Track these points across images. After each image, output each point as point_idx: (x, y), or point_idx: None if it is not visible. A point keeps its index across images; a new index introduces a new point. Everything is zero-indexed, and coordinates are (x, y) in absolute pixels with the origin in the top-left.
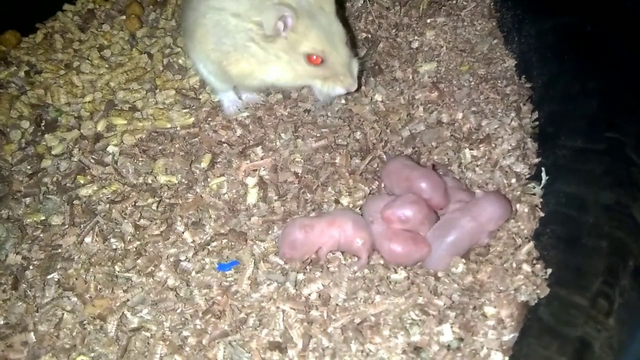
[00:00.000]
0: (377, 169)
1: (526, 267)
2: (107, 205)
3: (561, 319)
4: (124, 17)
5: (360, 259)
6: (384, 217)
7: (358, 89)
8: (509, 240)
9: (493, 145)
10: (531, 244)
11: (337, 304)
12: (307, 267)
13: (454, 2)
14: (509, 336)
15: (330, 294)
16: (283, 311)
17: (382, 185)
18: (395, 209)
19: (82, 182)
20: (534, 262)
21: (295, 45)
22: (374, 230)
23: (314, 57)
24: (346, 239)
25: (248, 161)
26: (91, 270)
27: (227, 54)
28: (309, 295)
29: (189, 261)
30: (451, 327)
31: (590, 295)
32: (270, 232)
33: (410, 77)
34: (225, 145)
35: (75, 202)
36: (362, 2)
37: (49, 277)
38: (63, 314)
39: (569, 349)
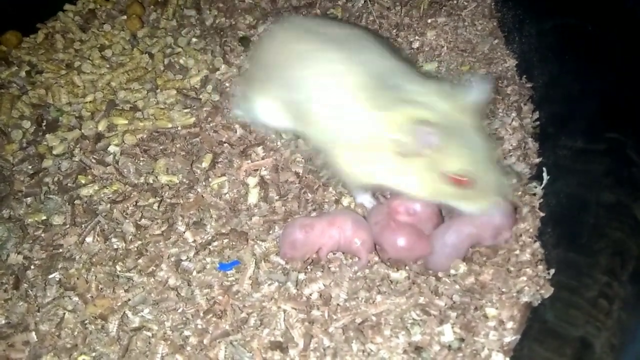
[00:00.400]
0: None
1: (530, 268)
2: (108, 205)
3: (562, 319)
4: (125, 17)
5: (360, 259)
6: (391, 207)
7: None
8: (513, 241)
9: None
10: (537, 244)
11: (338, 304)
12: (308, 267)
13: (455, 2)
14: (510, 337)
15: (331, 294)
16: (284, 311)
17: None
18: (404, 200)
19: (83, 182)
20: (538, 262)
21: (435, 163)
22: (377, 221)
23: (457, 177)
24: (345, 239)
25: (249, 161)
26: (92, 269)
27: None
28: (310, 295)
29: (190, 261)
30: (452, 327)
31: (591, 296)
32: (271, 232)
33: None
34: (226, 145)
35: (76, 201)
36: (363, 2)
37: (50, 276)
38: (64, 313)
39: (570, 350)
